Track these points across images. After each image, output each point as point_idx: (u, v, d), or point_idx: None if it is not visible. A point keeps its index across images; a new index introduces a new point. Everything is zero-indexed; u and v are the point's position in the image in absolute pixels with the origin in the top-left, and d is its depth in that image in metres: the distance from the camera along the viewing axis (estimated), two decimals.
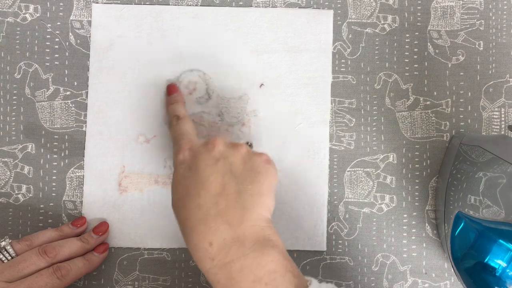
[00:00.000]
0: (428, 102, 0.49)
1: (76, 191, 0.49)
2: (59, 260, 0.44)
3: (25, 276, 0.42)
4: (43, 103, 0.49)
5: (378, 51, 0.49)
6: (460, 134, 0.49)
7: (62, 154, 0.49)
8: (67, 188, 0.49)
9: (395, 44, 0.49)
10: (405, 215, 0.49)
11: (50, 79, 0.49)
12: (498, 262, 0.36)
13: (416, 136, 0.49)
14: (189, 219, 0.38)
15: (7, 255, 0.43)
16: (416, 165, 0.49)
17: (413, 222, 0.49)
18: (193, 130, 0.44)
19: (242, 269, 0.36)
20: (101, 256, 0.47)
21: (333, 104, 0.49)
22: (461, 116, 0.49)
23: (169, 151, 0.49)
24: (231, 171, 0.39)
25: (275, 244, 0.37)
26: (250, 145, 0.44)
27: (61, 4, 0.49)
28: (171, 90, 0.48)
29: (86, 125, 0.49)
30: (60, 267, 0.43)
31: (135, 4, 0.49)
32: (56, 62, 0.49)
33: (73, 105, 0.49)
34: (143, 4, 0.49)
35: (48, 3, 0.49)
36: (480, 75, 0.49)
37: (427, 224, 0.49)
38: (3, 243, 0.44)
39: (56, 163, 0.49)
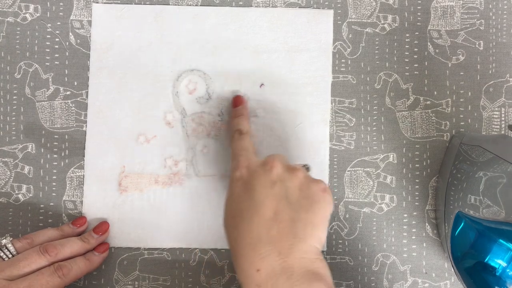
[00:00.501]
0: (428, 102, 0.49)
1: (76, 191, 0.49)
2: (60, 259, 0.44)
3: (25, 275, 0.42)
4: (43, 103, 0.49)
5: (378, 51, 0.49)
6: (460, 133, 0.49)
7: (62, 154, 0.49)
8: (67, 188, 0.49)
9: (395, 43, 0.49)
10: (405, 215, 0.49)
11: (50, 79, 0.49)
12: (498, 262, 0.36)
13: (416, 135, 0.49)
14: (238, 241, 0.37)
15: (8, 253, 0.43)
16: (416, 165, 0.49)
17: (413, 222, 0.49)
18: (253, 148, 0.44)
19: None
20: (102, 256, 0.47)
21: (333, 104, 0.49)
22: (461, 116, 0.49)
23: (169, 150, 0.49)
24: (286, 197, 0.39)
25: (323, 278, 0.36)
26: (307, 168, 0.44)
27: (61, 4, 0.49)
28: (237, 102, 0.48)
29: (86, 125, 0.49)
30: (61, 266, 0.43)
31: (135, 4, 0.49)
32: (56, 62, 0.49)
33: (73, 105, 0.49)
34: (143, 4, 0.49)
35: (48, 3, 0.49)
36: (480, 74, 0.49)
37: (427, 224, 0.49)
38: (3, 241, 0.44)
39: (56, 163, 0.49)
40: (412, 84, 0.49)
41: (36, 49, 0.49)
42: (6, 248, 0.43)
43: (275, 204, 0.38)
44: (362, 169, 0.49)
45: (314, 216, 0.38)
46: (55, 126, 0.49)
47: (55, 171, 0.49)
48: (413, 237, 0.49)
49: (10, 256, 0.43)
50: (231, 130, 0.46)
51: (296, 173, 0.40)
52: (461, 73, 0.49)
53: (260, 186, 0.39)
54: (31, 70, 0.49)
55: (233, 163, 0.42)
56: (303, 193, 0.39)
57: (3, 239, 0.44)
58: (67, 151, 0.49)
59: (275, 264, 0.36)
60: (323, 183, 0.40)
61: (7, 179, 0.49)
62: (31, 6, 0.49)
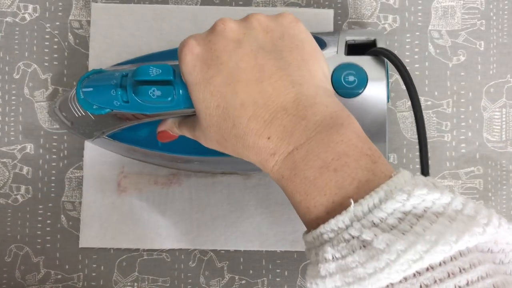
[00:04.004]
0: (429, 102, 0.49)
1: (75, 191, 0.48)
2: None
3: None
4: (42, 103, 0.49)
5: None
6: None
7: (61, 155, 0.49)
8: (66, 188, 0.48)
9: (396, 44, 0.49)
10: None
11: (49, 79, 0.49)
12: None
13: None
14: (236, 126, 0.31)
15: None
16: (417, 166, 0.49)
17: None
18: None
19: (306, 156, 0.29)
20: None
21: None
22: (462, 117, 0.49)
23: None
24: (260, 47, 0.32)
25: (346, 122, 0.30)
26: None
27: (60, 4, 0.49)
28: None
29: None
30: None
31: (134, 3, 0.49)
32: (55, 62, 0.49)
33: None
34: (143, 4, 0.49)
35: (47, 3, 0.49)
36: (481, 75, 0.49)
37: None
38: None
39: (55, 164, 0.49)
40: None
41: (35, 49, 0.49)
42: None
43: (252, 62, 0.31)
44: None
45: (301, 52, 0.32)
46: (54, 126, 0.49)
47: (53, 172, 0.49)
48: None
49: None
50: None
51: (253, 18, 0.33)
52: (462, 74, 0.49)
53: (224, 53, 0.31)
54: (29, 70, 0.49)
55: (179, 53, 0.33)
56: (275, 34, 0.33)
57: None
58: (66, 151, 0.49)
59: (285, 121, 0.30)
60: (288, 14, 0.34)
61: (5, 180, 0.48)
62: (30, 6, 0.49)
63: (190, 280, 0.48)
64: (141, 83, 0.34)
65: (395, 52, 0.49)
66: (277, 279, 0.48)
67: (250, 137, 0.31)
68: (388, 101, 0.39)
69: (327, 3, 0.49)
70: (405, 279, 0.26)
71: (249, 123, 0.31)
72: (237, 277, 0.48)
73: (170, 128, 0.39)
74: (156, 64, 0.34)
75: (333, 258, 0.28)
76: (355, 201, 0.28)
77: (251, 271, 0.48)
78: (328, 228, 0.28)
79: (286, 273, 0.48)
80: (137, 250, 0.48)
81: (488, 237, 0.27)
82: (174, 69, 0.34)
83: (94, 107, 0.37)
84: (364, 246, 0.27)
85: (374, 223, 0.27)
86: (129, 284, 0.48)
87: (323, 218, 0.29)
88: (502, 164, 0.49)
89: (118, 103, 0.35)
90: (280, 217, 0.48)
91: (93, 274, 0.48)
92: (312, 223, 0.30)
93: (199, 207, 0.48)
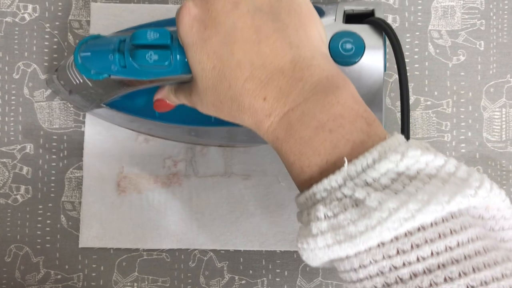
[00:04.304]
0: (428, 102, 0.49)
1: (75, 191, 0.48)
2: None
3: None
4: (41, 103, 0.49)
5: None
6: None
7: (61, 155, 0.49)
8: (65, 188, 0.48)
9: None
10: None
11: None
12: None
13: (417, 136, 0.49)
14: (232, 87, 0.31)
15: None
16: None
17: None
18: None
19: (302, 116, 0.29)
20: None
21: None
22: (462, 117, 0.49)
23: (168, 151, 0.48)
24: (258, 9, 0.31)
25: (342, 85, 0.30)
26: None
27: (59, 3, 0.49)
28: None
29: (84, 126, 0.48)
30: None
31: (134, 3, 0.49)
32: (54, 62, 0.49)
33: (72, 105, 0.49)
34: (142, 4, 0.49)
35: (46, 3, 0.49)
36: (481, 75, 0.49)
37: None
38: None
39: (54, 164, 0.49)
40: (412, 84, 0.49)
41: (34, 49, 0.49)
42: None
43: (249, 22, 0.31)
44: None
45: (299, 15, 0.32)
46: (54, 126, 0.49)
47: (53, 172, 0.49)
48: None
49: None
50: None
51: None
52: (462, 74, 0.49)
53: (222, 14, 0.31)
54: (29, 70, 0.49)
55: (176, 15, 0.33)
56: None
57: None
58: (65, 151, 0.49)
59: (281, 82, 0.30)
60: None
61: (5, 180, 0.48)
62: (30, 6, 0.49)
63: (190, 280, 0.48)
64: (138, 47, 0.34)
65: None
66: (277, 279, 0.48)
67: (246, 98, 0.31)
68: (385, 70, 0.40)
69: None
70: (396, 238, 0.27)
71: (245, 84, 0.30)
72: (237, 277, 0.48)
73: (167, 95, 0.39)
74: (153, 29, 0.34)
75: (325, 216, 0.28)
76: (349, 161, 0.28)
77: (251, 271, 0.48)
78: (321, 187, 0.29)
79: (286, 273, 0.48)
80: (137, 250, 0.48)
81: (480, 201, 0.27)
82: (172, 34, 0.34)
83: (92, 72, 0.36)
84: (356, 205, 0.27)
85: (367, 183, 0.27)
86: (129, 284, 0.48)
87: (316, 178, 0.29)
88: (502, 164, 0.49)
89: (116, 68, 0.35)
90: (280, 217, 0.48)
91: (93, 274, 0.48)
92: (305, 184, 0.30)
93: (199, 207, 0.48)
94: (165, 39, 0.34)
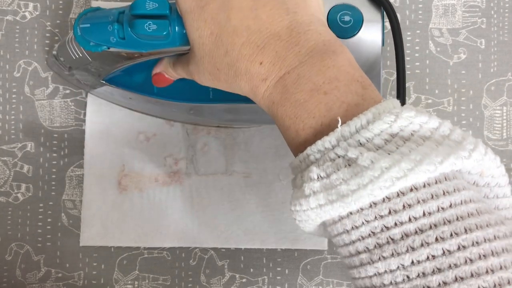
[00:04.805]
0: (429, 101, 0.49)
1: (76, 190, 0.48)
2: None
3: None
4: (42, 101, 0.49)
5: None
6: None
7: (62, 153, 0.49)
8: (66, 187, 0.48)
9: None
10: None
11: (49, 78, 0.49)
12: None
13: None
14: (229, 53, 0.31)
15: None
16: None
17: None
18: None
19: (297, 79, 0.29)
20: None
21: None
22: (463, 115, 0.49)
23: (169, 149, 0.48)
24: None
25: (338, 50, 0.30)
26: None
27: (60, 2, 0.49)
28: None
29: (85, 124, 0.48)
30: None
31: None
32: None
33: (73, 103, 0.49)
34: None
35: (47, 1, 0.49)
36: (482, 73, 0.49)
37: None
38: None
39: (55, 162, 0.49)
40: (413, 82, 0.49)
41: (35, 47, 0.49)
42: None
43: None
44: None
45: None
46: (55, 125, 0.49)
47: (54, 170, 0.48)
48: None
49: None
50: None
51: None
52: (463, 72, 0.49)
53: None
54: (30, 68, 0.49)
55: None
56: None
57: None
58: (66, 150, 0.49)
59: (278, 47, 0.30)
60: None
61: (6, 178, 0.48)
62: (31, 4, 0.49)
63: (190, 279, 0.48)
64: (137, 17, 0.34)
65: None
66: (278, 278, 0.48)
67: (242, 63, 0.31)
68: (383, 45, 0.40)
69: None
70: (388, 198, 0.27)
71: (242, 49, 0.31)
72: (237, 276, 0.48)
73: (165, 69, 0.39)
74: None
75: (318, 177, 0.28)
76: (343, 122, 0.28)
77: (251, 270, 0.48)
78: (315, 149, 0.29)
79: (286, 272, 0.48)
80: (138, 248, 0.48)
81: (473, 164, 0.27)
82: (171, 5, 0.34)
83: (91, 43, 0.36)
84: (349, 165, 0.27)
85: (360, 143, 0.27)
86: (129, 282, 0.48)
87: (310, 141, 0.29)
88: (503, 163, 0.49)
89: (115, 39, 0.35)
90: (281, 215, 0.48)
91: (94, 272, 0.48)
92: (300, 147, 0.30)
93: (199, 205, 0.48)
94: (164, 9, 0.34)
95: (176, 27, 0.34)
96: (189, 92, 0.38)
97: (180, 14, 0.34)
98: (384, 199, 0.27)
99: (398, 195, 0.27)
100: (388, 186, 0.26)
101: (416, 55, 0.49)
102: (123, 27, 0.35)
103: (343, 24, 0.39)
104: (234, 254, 0.48)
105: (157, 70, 0.40)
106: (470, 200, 0.27)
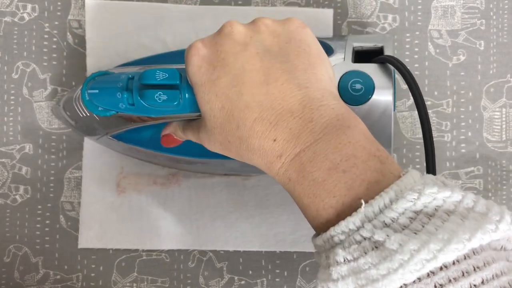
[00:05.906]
0: (428, 102, 0.49)
1: (74, 192, 0.48)
2: None
3: None
4: (40, 103, 0.49)
5: None
6: None
7: (60, 155, 0.49)
8: (64, 189, 0.48)
9: (396, 43, 0.49)
10: None
11: (47, 79, 0.49)
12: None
13: (417, 136, 0.49)
14: (240, 128, 0.31)
15: None
16: (417, 166, 0.49)
17: None
18: None
19: (314, 157, 0.29)
20: None
21: None
22: (462, 116, 0.49)
23: None
24: (267, 50, 0.32)
25: (353, 124, 0.30)
26: None
27: (59, 3, 0.49)
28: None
29: None
30: None
31: (131, 1, 0.49)
32: (54, 62, 0.49)
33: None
34: (140, 1, 0.49)
35: (46, 3, 0.49)
36: (481, 75, 0.49)
37: None
38: None
39: (54, 164, 0.48)
40: None
41: (33, 49, 0.49)
42: None
43: (258, 64, 0.31)
44: None
45: (308, 56, 0.32)
46: (53, 126, 0.49)
47: (52, 172, 0.48)
48: None
49: None
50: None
51: (260, 22, 0.33)
52: (462, 73, 0.49)
53: (230, 55, 0.31)
54: (28, 70, 0.49)
55: (186, 54, 0.33)
56: (282, 39, 0.33)
57: None
58: (64, 151, 0.49)
59: (291, 124, 0.30)
60: (295, 20, 0.34)
61: (4, 180, 0.48)
62: (29, 6, 0.49)
63: (189, 281, 0.48)
64: (147, 86, 0.34)
65: (395, 51, 0.49)
66: (277, 280, 0.48)
67: (255, 140, 0.31)
68: (394, 110, 0.39)
69: (326, 2, 0.49)
70: (419, 279, 0.26)
71: (254, 125, 0.31)
72: (236, 278, 0.48)
73: (174, 131, 0.39)
74: (162, 68, 0.35)
75: (344, 260, 0.28)
76: (366, 202, 0.28)
77: (250, 272, 0.48)
78: (338, 230, 0.28)
79: (285, 274, 0.48)
80: (136, 250, 0.48)
81: (501, 234, 0.27)
82: (181, 73, 0.34)
83: (100, 109, 0.37)
84: (376, 247, 0.27)
85: (385, 224, 0.27)
86: (128, 284, 0.48)
87: (333, 221, 0.29)
88: (502, 164, 0.49)
89: (124, 105, 0.35)
90: (280, 217, 0.48)
91: (92, 274, 0.48)
92: (322, 226, 0.30)
93: (198, 207, 0.48)
94: (174, 79, 0.34)
95: (187, 95, 0.34)
96: (198, 148, 0.38)
97: (191, 85, 0.33)
98: (414, 280, 0.26)
99: (428, 275, 0.26)
100: (418, 269, 0.25)
101: (415, 56, 0.49)
102: (133, 94, 0.35)
103: (355, 92, 0.38)
104: (233, 256, 0.48)
105: (166, 132, 0.39)
106: (502, 273, 0.26)
